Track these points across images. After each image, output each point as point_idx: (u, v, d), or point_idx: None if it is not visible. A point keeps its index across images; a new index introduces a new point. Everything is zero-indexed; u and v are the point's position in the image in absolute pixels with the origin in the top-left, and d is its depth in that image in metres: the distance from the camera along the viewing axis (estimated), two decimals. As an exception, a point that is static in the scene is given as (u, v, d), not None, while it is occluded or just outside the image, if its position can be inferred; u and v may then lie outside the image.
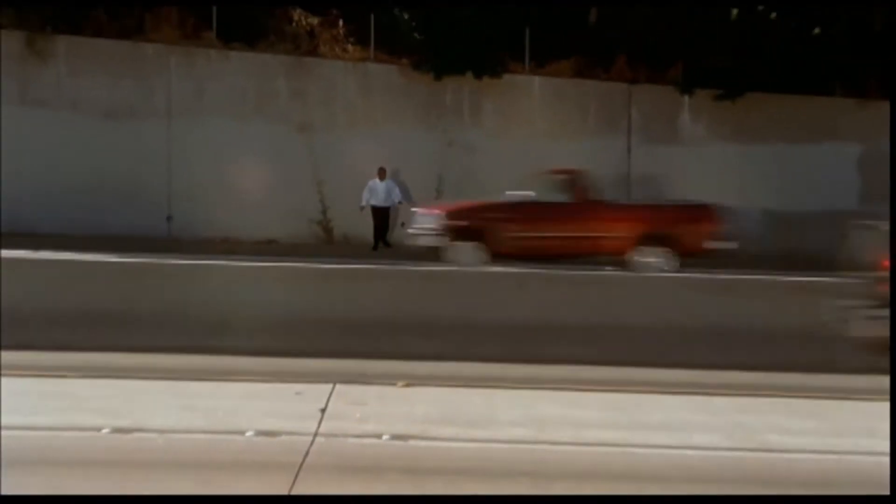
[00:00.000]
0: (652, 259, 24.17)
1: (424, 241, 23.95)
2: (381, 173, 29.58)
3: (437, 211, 24.96)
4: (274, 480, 8.31)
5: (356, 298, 14.93)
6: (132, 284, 15.18)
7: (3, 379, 11.87)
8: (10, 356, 12.80)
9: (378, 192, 29.65)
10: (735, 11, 30.66)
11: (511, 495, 6.99)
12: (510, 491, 8.35)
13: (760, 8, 30.63)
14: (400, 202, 29.63)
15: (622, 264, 23.54)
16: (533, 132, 31.23)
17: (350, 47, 32.22)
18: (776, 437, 10.42)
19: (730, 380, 13.02)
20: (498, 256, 23.65)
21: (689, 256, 24.18)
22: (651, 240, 24.61)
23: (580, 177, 25.52)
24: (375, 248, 29.01)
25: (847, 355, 13.86)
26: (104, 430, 9.85)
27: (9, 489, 6.48)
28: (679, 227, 24.88)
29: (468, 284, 16.32)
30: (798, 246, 29.60)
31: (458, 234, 24.23)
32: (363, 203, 29.58)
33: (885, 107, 31.03)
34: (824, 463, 9.67)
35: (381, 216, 29.76)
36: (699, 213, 25.34)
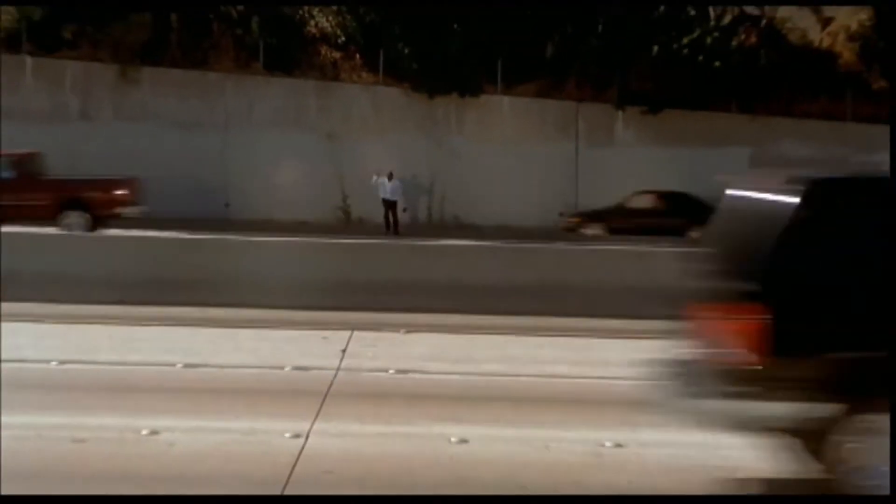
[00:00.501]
0: (73, 220, 23.56)
1: None
2: (390, 175, 28.91)
3: None
4: (307, 404, 8.26)
5: (369, 266, 14.87)
6: (197, 255, 15.13)
7: (103, 326, 11.81)
8: (112, 309, 12.76)
9: (387, 189, 29.03)
10: (656, 48, 30.73)
11: (512, 495, 6.06)
12: (486, 410, 8.30)
13: (674, 46, 30.68)
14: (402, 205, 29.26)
15: (53, 224, 22.39)
16: (503, 139, 30.97)
17: (364, 74, 32.03)
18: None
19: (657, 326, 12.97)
20: None
21: (104, 219, 23.76)
22: (70, 206, 23.95)
23: (25, 157, 24.78)
24: (387, 229, 28.66)
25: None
26: (178, 365, 9.81)
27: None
28: (92, 197, 24.29)
29: (451, 254, 16.27)
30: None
31: None
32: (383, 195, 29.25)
33: (768, 120, 31.34)
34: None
35: (390, 208, 29.10)
36: (111, 185, 24.92)
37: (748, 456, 7.18)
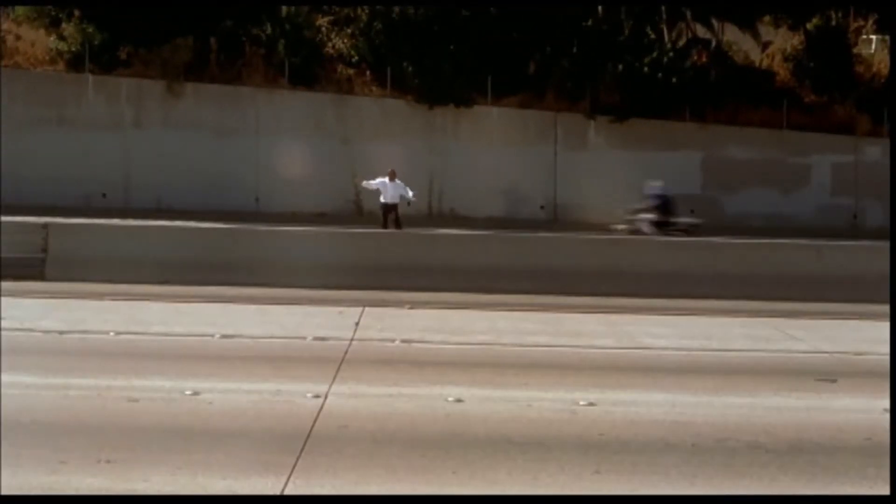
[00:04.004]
0: None
1: None
2: (392, 174, 23.90)
3: None
4: (325, 369, 8.22)
5: (379, 252, 14.86)
6: (231, 243, 15.11)
7: (152, 303, 11.76)
8: (159, 289, 12.76)
9: (388, 189, 23.74)
10: (621, 66, 30.70)
11: (511, 495, 5.30)
12: (478, 374, 8.26)
13: (637, 65, 30.67)
14: (408, 200, 24.34)
15: None
16: (492, 143, 30.86)
17: (374, 88, 31.90)
18: (649, 340, 10.37)
19: (620, 303, 13.00)
20: None
21: None
22: None
23: None
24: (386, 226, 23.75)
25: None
26: (216, 336, 9.78)
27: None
28: None
29: (448, 242, 16.27)
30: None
31: None
32: (383, 199, 23.85)
33: (716, 128, 31.28)
34: (679, 356, 9.63)
35: (391, 209, 23.85)
36: None
37: (699, 412, 7.19)
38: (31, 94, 29.56)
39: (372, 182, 24.13)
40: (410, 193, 24.13)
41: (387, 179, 23.87)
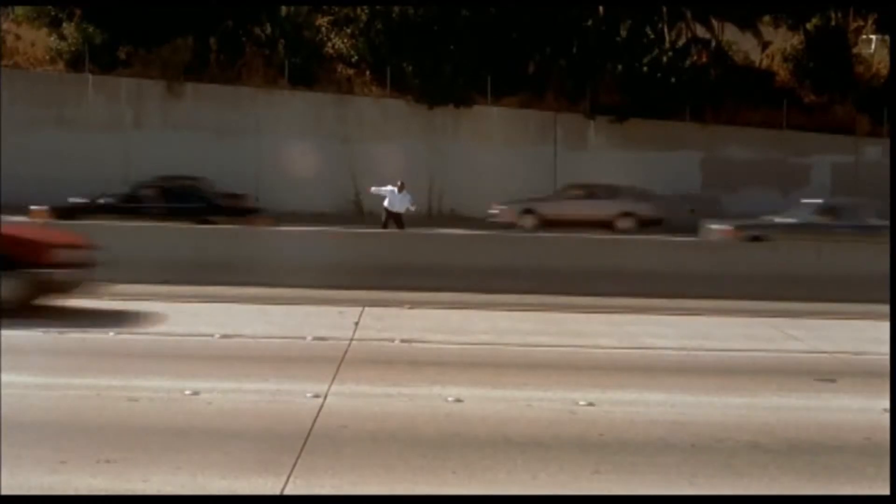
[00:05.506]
0: None
1: None
2: (401, 186, 23.91)
3: None
4: (325, 369, 8.21)
5: (379, 252, 14.86)
6: (231, 243, 15.10)
7: (162, 304, 11.75)
8: (159, 289, 12.75)
9: (395, 199, 23.88)
10: (620, 66, 30.71)
11: (512, 495, 5.30)
12: (478, 374, 8.24)
13: (636, 65, 30.71)
14: (410, 208, 24.07)
15: None
16: (493, 144, 31.03)
17: (374, 88, 32.06)
18: (649, 340, 10.36)
19: (620, 303, 12.99)
20: None
21: None
22: None
23: None
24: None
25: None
26: (216, 336, 9.77)
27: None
28: None
29: (448, 242, 16.26)
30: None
31: None
32: (387, 205, 23.99)
33: (716, 128, 31.42)
34: (679, 356, 9.62)
35: (396, 219, 23.79)
36: None
37: (699, 412, 7.18)
38: (31, 94, 29.58)
39: (382, 189, 24.32)
40: (411, 204, 24.24)
41: (395, 189, 23.94)
